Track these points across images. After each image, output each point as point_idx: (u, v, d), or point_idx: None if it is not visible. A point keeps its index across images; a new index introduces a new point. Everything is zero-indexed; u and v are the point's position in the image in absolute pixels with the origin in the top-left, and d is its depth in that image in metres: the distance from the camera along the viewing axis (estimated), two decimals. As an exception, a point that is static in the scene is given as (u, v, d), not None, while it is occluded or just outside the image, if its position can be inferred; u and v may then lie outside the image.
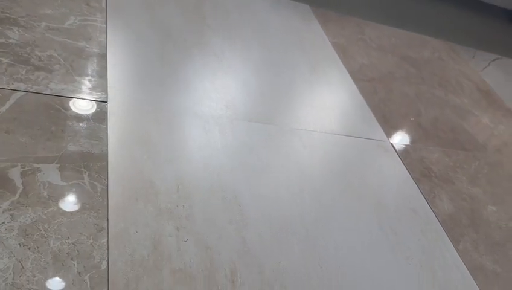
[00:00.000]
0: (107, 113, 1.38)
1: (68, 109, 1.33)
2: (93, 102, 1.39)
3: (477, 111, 2.37)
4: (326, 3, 2.67)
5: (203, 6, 2.13)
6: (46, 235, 1.02)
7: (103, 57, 1.57)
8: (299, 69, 2.03)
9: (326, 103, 1.89)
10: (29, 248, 0.98)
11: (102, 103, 1.40)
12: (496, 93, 2.63)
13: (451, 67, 2.68)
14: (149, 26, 1.84)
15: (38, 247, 0.99)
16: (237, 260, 1.16)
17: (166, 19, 1.93)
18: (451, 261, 1.47)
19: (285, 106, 1.78)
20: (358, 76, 2.16)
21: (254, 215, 1.30)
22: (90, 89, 1.42)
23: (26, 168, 1.12)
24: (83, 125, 1.30)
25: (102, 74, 1.50)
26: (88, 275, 0.99)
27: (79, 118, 1.31)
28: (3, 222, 1.00)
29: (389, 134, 1.88)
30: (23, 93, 1.31)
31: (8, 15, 1.53)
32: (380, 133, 1.87)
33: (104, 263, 1.02)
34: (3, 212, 1.02)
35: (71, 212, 1.08)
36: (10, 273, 0.93)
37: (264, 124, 1.63)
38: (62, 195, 1.11)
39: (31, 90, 1.32)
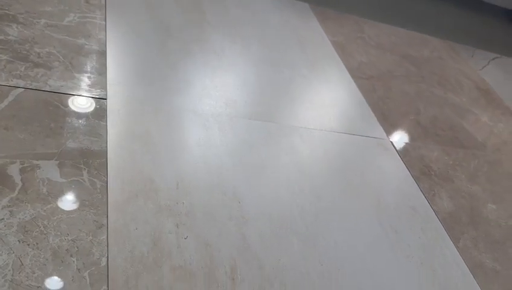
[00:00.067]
0: (106, 110, 1.37)
1: (67, 105, 1.32)
2: (93, 99, 1.38)
3: (477, 110, 2.38)
4: (325, 2, 2.66)
5: (203, 5, 2.13)
6: (45, 232, 1.01)
7: (102, 54, 1.56)
8: (298, 67, 2.02)
9: (326, 101, 1.89)
10: (28, 245, 0.98)
11: (101, 100, 1.40)
12: (495, 92, 2.63)
13: (451, 66, 2.68)
14: (148, 24, 1.83)
15: (37, 243, 0.99)
16: (237, 257, 1.16)
17: (166, 16, 1.93)
18: (451, 259, 1.47)
19: (285, 103, 1.77)
20: (357, 74, 2.15)
21: (254, 212, 1.29)
22: (90, 86, 1.42)
23: (25, 165, 1.12)
24: (82, 122, 1.29)
25: (101, 71, 1.49)
26: (87, 271, 0.98)
27: (78, 114, 1.31)
28: (3, 219, 1.00)
29: (388, 132, 1.88)
30: (22, 90, 1.30)
31: (7, 12, 1.53)
32: (379, 131, 1.87)
33: (104, 259, 1.02)
34: (2, 208, 1.02)
35: (70, 209, 1.08)
36: (9, 270, 0.93)
37: (264, 122, 1.63)
38: (61, 192, 1.10)
39: (30, 87, 1.32)
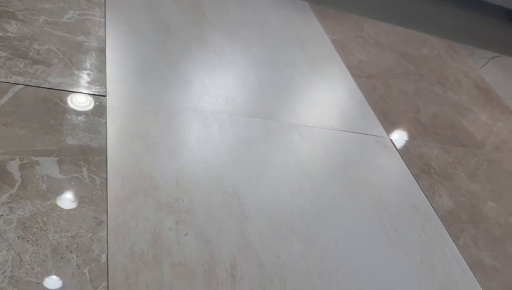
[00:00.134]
0: (106, 107, 1.37)
1: (67, 102, 1.32)
2: (92, 96, 1.38)
3: (476, 108, 2.38)
4: (325, 1, 2.66)
5: (203, 4, 2.12)
6: (45, 228, 1.01)
7: (102, 51, 1.56)
8: (298, 65, 2.02)
9: (326, 99, 1.89)
10: (28, 241, 0.98)
11: (101, 97, 1.39)
12: (494, 90, 2.63)
13: (450, 64, 2.68)
14: (148, 22, 1.83)
15: (37, 240, 0.98)
16: (237, 254, 1.16)
17: (166, 15, 1.92)
18: (451, 256, 1.47)
19: (285, 101, 1.77)
20: (357, 72, 2.15)
21: (254, 209, 1.29)
22: (89, 83, 1.41)
23: (24, 161, 1.11)
24: (82, 119, 1.29)
25: (101, 68, 1.49)
26: (87, 268, 0.98)
27: (78, 111, 1.31)
28: (2, 215, 1.00)
29: (388, 130, 1.88)
30: (21, 86, 1.30)
31: (6, 8, 1.52)
32: (379, 129, 1.87)
33: (104, 256, 1.01)
34: (1, 205, 1.01)
35: (70, 206, 1.07)
36: (9, 266, 0.92)
37: (264, 120, 1.63)
38: (61, 188, 1.10)
39: (29, 84, 1.31)
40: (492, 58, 3.07)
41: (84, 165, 1.17)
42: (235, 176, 1.37)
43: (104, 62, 1.52)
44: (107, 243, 1.04)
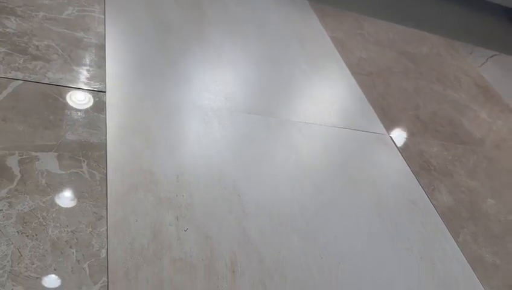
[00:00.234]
0: (105, 103, 1.36)
1: (66, 98, 1.31)
2: (92, 92, 1.37)
3: (476, 106, 2.38)
4: (324, -2, 2.66)
5: (203, 1, 2.12)
6: (44, 223, 1.01)
7: (101, 47, 1.55)
8: (298, 62, 2.02)
9: (326, 96, 1.89)
10: (27, 236, 0.97)
11: (100, 92, 1.39)
12: (493, 89, 2.64)
13: (450, 62, 2.68)
14: (148, 18, 1.83)
15: (36, 235, 0.98)
16: (237, 249, 1.15)
17: (165, 11, 1.92)
18: (451, 253, 1.47)
19: (285, 98, 1.77)
20: (356, 70, 2.15)
21: (254, 206, 1.29)
22: (89, 78, 1.41)
23: (24, 156, 1.11)
24: (81, 114, 1.29)
25: (100, 64, 1.48)
26: (87, 263, 0.97)
27: (77, 107, 1.30)
28: (1, 210, 0.99)
29: (388, 127, 1.88)
30: (20, 82, 1.29)
31: (5, 4, 1.52)
32: (379, 126, 1.87)
33: (104, 251, 1.01)
34: (1, 200, 1.01)
35: (70, 201, 1.07)
36: (8, 261, 0.92)
37: (264, 116, 1.62)
38: (60, 183, 1.09)
39: (28, 79, 1.31)
40: (492, 56, 3.07)
41: (84, 161, 1.17)
42: (235, 172, 1.36)
43: (104, 58, 1.51)
44: (107, 238, 1.04)
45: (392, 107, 2.03)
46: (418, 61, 2.52)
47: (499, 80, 2.78)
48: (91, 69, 1.45)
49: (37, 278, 0.92)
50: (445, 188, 1.72)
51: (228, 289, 1.06)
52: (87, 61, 1.47)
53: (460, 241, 1.52)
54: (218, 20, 2.04)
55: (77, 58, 1.46)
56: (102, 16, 1.69)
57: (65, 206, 1.05)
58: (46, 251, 0.96)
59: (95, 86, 1.40)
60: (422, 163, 1.79)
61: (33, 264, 0.93)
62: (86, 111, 1.30)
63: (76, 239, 1.01)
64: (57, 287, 0.92)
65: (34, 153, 1.13)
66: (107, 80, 1.44)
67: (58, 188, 1.08)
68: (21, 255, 0.94)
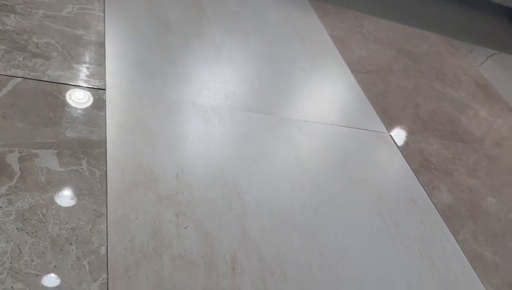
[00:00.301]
0: (105, 100, 1.36)
1: (66, 95, 1.31)
2: (91, 89, 1.37)
3: (475, 105, 2.37)
4: (324, -3, 2.66)
5: (203, 1, 2.12)
6: (44, 220, 1.00)
7: (101, 45, 1.55)
8: (298, 61, 2.02)
9: (325, 94, 1.89)
10: (27, 233, 0.97)
11: (100, 90, 1.39)
12: (493, 87, 2.64)
13: (449, 61, 2.68)
14: (147, 16, 1.82)
15: (36, 232, 0.98)
16: (237, 247, 1.15)
17: (165, 9, 1.92)
18: (451, 251, 1.46)
19: (285, 97, 1.77)
20: (356, 68, 2.15)
21: (254, 203, 1.29)
22: (88, 76, 1.41)
23: (23, 154, 1.11)
24: (81, 112, 1.28)
25: (100, 61, 1.48)
26: (87, 260, 0.97)
27: (77, 105, 1.30)
28: (1, 207, 0.99)
29: (388, 126, 1.88)
30: (20, 79, 1.29)
31: (4, 2, 1.51)
32: (379, 124, 1.87)
33: (103, 248, 1.01)
34: (0, 197, 1.01)
35: (69, 198, 1.07)
36: (8, 258, 0.92)
37: (264, 114, 1.62)
38: (60, 180, 1.09)
39: (28, 77, 1.31)
40: (492, 55, 3.07)
41: (84, 158, 1.17)
42: (235, 170, 1.36)
43: (104, 56, 1.51)
44: (107, 235, 1.03)
45: (392, 105, 2.03)
46: (418, 60, 2.51)
47: (498, 79, 2.78)
48: (91, 66, 1.44)
49: (37, 275, 0.92)
50: (445, 186, 1.72)
51: (228, 286, 1.06)
52: (87, 59, 1.47)
53: (460, 239, 1.52)
54: (218, 18, 2.04)
55: (77, 56, 1.46)
56: (102, 14, 1.69)
57: (65, 204, 1.05)
58: (46, 248, 0.96)
59: (95, 83, 1.40)
60: (422, 161, 1.79)
61: (33, 261, 0.93)
62: (86, 109, 1.30)
63: (76, 236, 1.00)
64: (56, 284, 0.92)
65: (33, 150, 1.13)
66: (106, 77, 1.44)
67: (58, 185, 1.08)
68: (21, 252, 0.94)
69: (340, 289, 1.18)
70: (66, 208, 1.05)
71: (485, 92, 2.54)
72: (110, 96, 1.39)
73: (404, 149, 1.80)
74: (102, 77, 1.43)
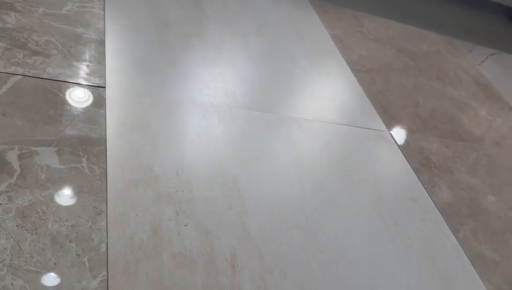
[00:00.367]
0: (105, 98, 1.36)
1: (66, 93, 1.31)
2: (91, 87, 1.37)
3: (475, 104, 2.37)
4: (324, -4, 2.66)
5: (203, 0, 2.12)
6: (44, 218, 1.00)
7: (101, 43, 1.55)
8: (298, 59, 2.02)
9: (325, 93, 1.89)
10: (27, 230, 0.97)
11: (100, 88, 1.38)
12: (493, 86, 2.63)
13: (449, 60, 2.68)
14: (147, 15, 1.82)
15: (36, 229, 0.98)
16: (237, 245, 1.15)
17: (165, 8, 1.92)
18: (451, 249, 1.46)
19: (285, 95, 1.77)
20: (356, 67, 2.15)
21: (254, 202, 1.29)
22: (88, 74, 1.41)
23: (23, 151, 1.11)
24: (81, 109, 1.28)
25: (100, 59, 1.48)
26: (87, 257, 0.97)
27: (77, 102, 1.30)
28: (1, 204, 0.99)
29: (388, 124, 1.88)
30: (20, 77, 1.29)
31: (4, 0, 1.51)
32: (379, 123, 1.87)
33: (103, 245, 1.01)
34: (0, 194, 1.00)
35: (69, 195, 1.07)
36: (8, 255, 0.92)
37: (264, 113, 1.62)
38: (60, 178, 1.09)
39: (28, 74, 1.30)
40: (492, 55, 3.07)
41: (84, 156, 1.17)
42: (235, 168, 1.36)
43: (103, 54, 1.51)
44: (107, 232, 1.03)
45: (392, 104, 2.03)
46: (418, 59, 2.51)
47: (498, 78, 2.78)
48: (91, 64, 1.44)
49: (37, 272, 0.91)
50: (445, 184, 1.72)
51: (228, 284, 1.06)
52: (87, 56, 1.46)
53: (460, 237, 1.52)
54: (218, 17, 2.04)
55: (77, 54, 1.46)
56: (102, 12, 1.69)
57: (65, 201, 1.05)
58: (46, 245, 0.96)
59: (95, 81, 1.40)
60: (422, 160, 1.79)
61: (33, 258, 0.93)
62: (86, 106, 1.30)
63: (76, 233, 1.00)
64: (56, 282, 0.92)
65: (33, 148, 1.12)
66: (106, 75, 1.44)
67: (58, 182, 1.08)
68: (20, 249, 0.93)
69: (340, 288, 1.18)
70: (66, 205, 1.05)
71: (485, 91, 2.54)
72: (110, 94, 1.39)
73: (404, 148, 1.80)
74: (102, 75, 1.43)
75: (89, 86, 1.37)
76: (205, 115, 1.50)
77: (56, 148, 1.15)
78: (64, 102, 1.28)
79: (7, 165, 1.06)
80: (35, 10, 1.54)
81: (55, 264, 0.94)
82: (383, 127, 1.86)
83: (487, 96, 2.51)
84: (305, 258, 1.21)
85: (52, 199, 1.04)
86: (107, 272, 0.96)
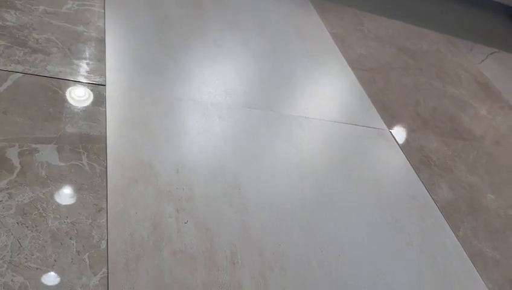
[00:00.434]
0: (105, 96, 1.36)
1: (66, 91, 1.31)
2: (92, 85, 1.37)
3: (476, 102, 2.37)
4: (324, -5, 2.66)
5: (202, -5, 2.12)
6: (44, 215, 1.00)
7: (101, 41, 1.55)
8: (298, 58, 2.02)
9: (326, 92, 1.89)
10: (27, 227, 0.97)
11: (100, 86, 1.39)
12: (494, 85, 2.63)
13: (449, 59, 2.68)
14: (148, 13, 1.82)
15: (36, 226, 0.98)
16: (237, 242, 1.15)
17: (165, 6, 1.92)
18: (451, 247, 1.46)
19: (285, 93, 1.77)
20: (356, 65, 2.15)
21: (254, 199, 1.29)
22: (88, 72, 1.41)
23: (24, 148, 1.11)
24: (81, 107, 1.28)
25: (100, 57, 1.48)
26: (87, 254, 0.97)
27: (77, 100, 1.30)
28: (1, 201, 0.99)
29: (388, 123, 1.88)
30: (20, 74, 1.29)
31: (5, -2, 1.52)
32: (379, 121, 1.87)
33: (104, 242, 1.01)
34: (0, 191, 1.01)
35: (70, 193, 1.07)
36: (8, 252, 0.92)
37: (264, 111, 1.62)
38: (60, 175, 1.09)
39: (28, 72, 1.31)
40: (492, 53, 3.07)
41: (84, 153, 1.17)
42: (235, 166, 1.36)
43: (104, 52, 1.51)
44: (107, 229, 1.03)
45: (392, 102, 2.03)
46: (418, 58, 2.51)
47: (499, 77, 2.78)
48: (91, 62, 1.44)
49: (37, 268, 0.91)
50: (446, 183, 1.72)
51: (228, 281, 1.06)
52: (87, 54, 1.47)
53: (460, 235, 1.52)
54: (218, 16, 2.04)
55: (77, 52, 1.46)
56: (102, 10, 1.69)
57: (65, 198, 1.05)
58: (46, 242, 0.96)
59: (95, 79, 1.40)
60: (423, 158, 1.79)
61: (33, 255, 0.93)
62: (86, 104, 1.30)
63: (76, 230, 1.00)
64: (56, 278, 0.92)
65: (34, 145, 1.13)
66: (107, 73, 1.44)
67: (58, 180, 1.08)
68: (21, 246, 0.94)
69: (340, 285, 1.18)
70: (66, 202, 1.05)
71: (485, 90, 2.54)
72: (110, 92, 1.39)
73: (405, 146, 1.80)
74: (103, 73, 1.43)
75: (89, 84, 1.37)
76: (205, 113, 1.50)
77: (56, 146, 1.15)
78: (64, 100, 1.28)
79: (7, 162, 1.06)
80: (36, 8, 1.54)
81: (55, 261, 0.94)
82: (383, 125, 1.86)
83: (487, 95, 2.51)
84: (306, 255, 1.21)
85: (52, 196, 1.04)
86: (107, 269, 0.96)
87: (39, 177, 1.07)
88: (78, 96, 1.31)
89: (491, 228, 1.61)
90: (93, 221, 1.03)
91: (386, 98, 2.03)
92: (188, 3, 2.00)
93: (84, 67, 1.41)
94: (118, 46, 1.57)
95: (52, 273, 0.92)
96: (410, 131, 1.91)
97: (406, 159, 1.75)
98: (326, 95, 1.87)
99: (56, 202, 1.04)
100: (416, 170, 1.71)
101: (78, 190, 1.08)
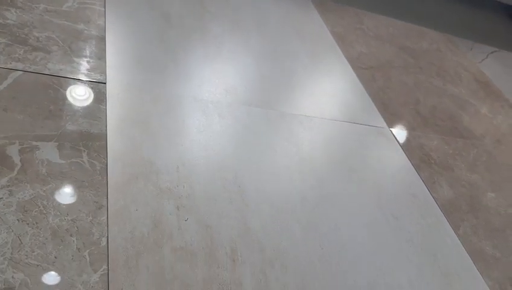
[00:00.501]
0: (105, 94, 1.36)
1: (66, 89, 1.31)
2: (92, 83, 1.37)
3: (476, 101, 2.37)
4: (324, -6, 2.66)
5: (202, -7, 2.12)
6: (44, 212, 1.00)
7: (102, 39, 1.55)
8: (298, 57, 2.02)
9: (326, 90, 1.89)
10: (27, 224, 0.97)
11: (100, 84, 1.39)
12: (494, 84, 2.63)
13: (450, 58, 2.68)
14: (148, 11, 1.82)
15: (37, 223, 0.98)
16: (238, 239, 1.15)
17: (166, 5, 1.92)
18: (452, 245, 1.46)
19: (285, 92, 1.77)
20: (357, 64, 2.15)
21: (254, 196, 1.29)
22: (89, 70, 1.41)
23: (24, 146, 1.11)
24: (82, 105, 1.28)
25: (100, 55, 1.48)
26: (87, 251, 0.97)
27: (77, 98, 1.30)
28: (1, 198, 0.99)
29: (388, 121, 1.88)
30: (20, 72, 1.29)
31: (5, -4, 1.52)
32: (379, 120, 1.87)
33: (104, 239, 1.01)
34: (1, 188, 1.01)
35: (70, 190, 1.07)
36: (8, 248, 0.92)
37: (264, 109, 1.62)
38: (61, 172, 1.09)
39: (29, 70, 1.31)
40: (492, 52, 3.07)
41: (84, 151, 1.17)
42: (235, 164, 1.36)
43: (104, 50, 1.51)
44: (108, 226, 1.03)
45: (392, 101, 2.03)
46: (418, 56, 2.51)
47: (499, 76, 2.78)
48: (91, 60, 1.44)
49: (38, 265, 0.92)
50: (446, 181, 1.72)
51: (229, 277, 1.06)
52: (88, 52, 1.47)
53: (460, 234, 1.52)
54: (219, 14, 2.04)
55: (77, 50, 1.46)
56: (103, 9, 1.69)
57: (65, 196, 1.05)
58: (47, 238, 0.96)
59: (95, 77, 1.40)
60: (423, 156, 1.79)
61: (33, 251, 0.93)
62: (86, 102, 1.30)
63: (77, 227, 1.01)
64: (57, 275, 0.92)
65: (34, 143, 1.13)
66: (107, 71, 1.44)
67: (58, 177, 1.08)
68: (21, 243, 0.94)
69: (340, 283, 1.18)
70: (67, 200, 1.05)
71: (485, 89, 2.54)
72: (111, 90, 1.39)
73: (405, 144, 1.80)
74: (103, 71, 1.43)
75: (89, 82, 1.37)
76: (205, 111, 1.50)
77: (57, 143, 1.15)
78: (64, 97, 1.28)
79: (8, 160, 1.07)
80: (36, 7, 1.54)
81: (55, 258, 0.94)
82: (384, 124, 1.86)
83: (487, 93, 2.51)
84: (306, 252, 1.21)
85: (52, 194, 1.04)
86: (108, 266, 0.97)
87: (40, 174, 1.07)
88: (79, 94, 1.31)
89: (491, 226, 1.61)
90: (93, 218, 1.04)
91: (386, 96, 2.03)
92: (188, 2, 2.01)
93: (84, 65, 1.41)
94: (118, 44, 1.58)
95: (53, 270, 0.92)
96: (410, 129, 1.91)
97: (406, 158, 1.75)
98: (326, 93, 1.87)
99: (56, 199, 1.04)
100: (417, 168, 1.71)
101: (78, 187, 1.08)
